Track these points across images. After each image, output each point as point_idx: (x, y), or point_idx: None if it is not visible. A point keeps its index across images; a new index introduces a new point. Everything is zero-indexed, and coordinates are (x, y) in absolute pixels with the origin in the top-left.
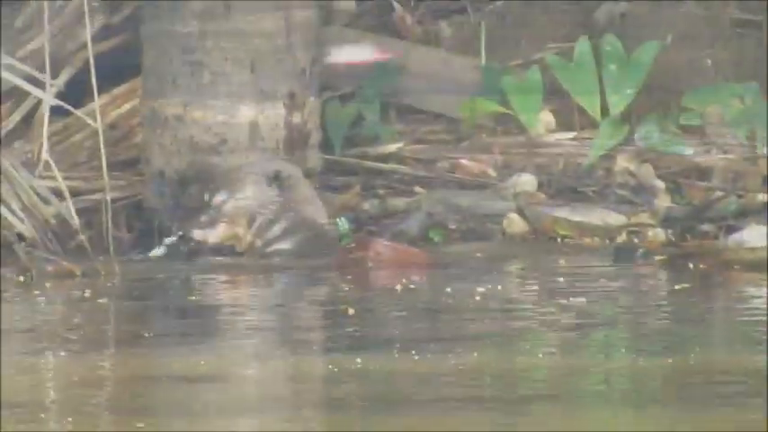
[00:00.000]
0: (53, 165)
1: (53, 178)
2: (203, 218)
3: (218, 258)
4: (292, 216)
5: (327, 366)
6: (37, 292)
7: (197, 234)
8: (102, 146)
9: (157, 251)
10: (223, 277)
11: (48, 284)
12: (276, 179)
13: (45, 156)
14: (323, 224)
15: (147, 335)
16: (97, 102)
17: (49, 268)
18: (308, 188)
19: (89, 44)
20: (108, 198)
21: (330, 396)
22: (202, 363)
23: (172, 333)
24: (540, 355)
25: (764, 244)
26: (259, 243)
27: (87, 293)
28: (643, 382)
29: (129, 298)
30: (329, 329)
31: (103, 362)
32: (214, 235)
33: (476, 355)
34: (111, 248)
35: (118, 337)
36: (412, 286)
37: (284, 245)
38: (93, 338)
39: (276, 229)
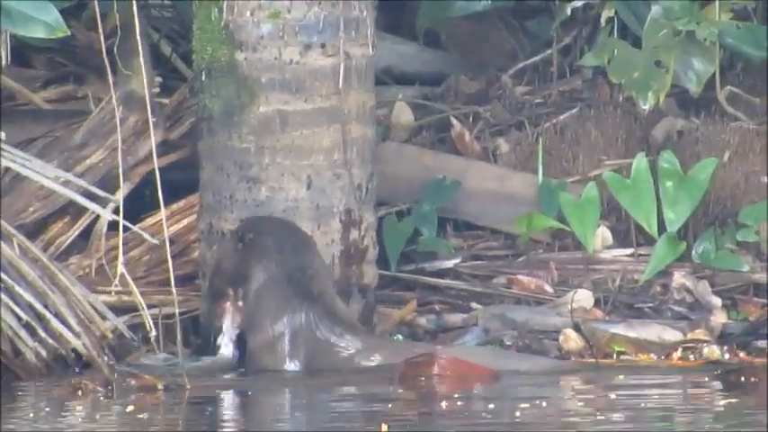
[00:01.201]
0: (129, 279)
1: (109, 293)
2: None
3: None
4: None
5: None
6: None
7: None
8: (169, 258)
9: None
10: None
11: (132, 397)
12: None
13: (121, 268)
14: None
15: None
16: (164, 213)
17: (132, 382)
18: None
19: (155, 158)
20: (177, 311)
21: None
22: None
23: None
24: None
25: None
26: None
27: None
28: None
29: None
30: None
31: None
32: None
33: None
34: (181, 361)
35: None
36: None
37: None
38: None
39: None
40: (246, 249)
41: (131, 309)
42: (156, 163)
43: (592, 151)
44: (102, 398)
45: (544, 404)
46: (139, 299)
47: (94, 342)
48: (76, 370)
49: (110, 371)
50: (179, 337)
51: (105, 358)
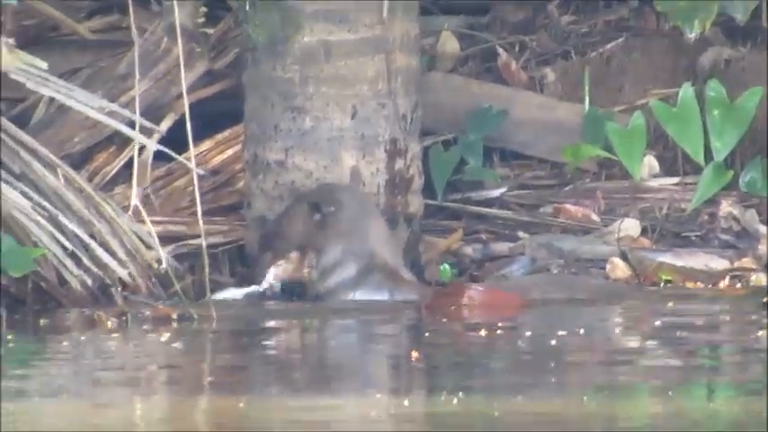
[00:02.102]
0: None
1: (156, 223)
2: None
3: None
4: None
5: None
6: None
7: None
8: (197, 191)
9: (229, 293)
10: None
11: (144, 328)
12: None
13: (152, 198)
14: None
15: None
16: (192, 148)
17: (147, 312)
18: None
19: (184, 91)
20: (204, 243)
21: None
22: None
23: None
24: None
25: None
26: (321, 287)
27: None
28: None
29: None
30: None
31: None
32: (275, 275)
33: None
34: (209, 293)
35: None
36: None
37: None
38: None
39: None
40: (324, 222)
41: (183, 238)
42: (185, 95)
43: (638, 80)
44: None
45: (582, 331)
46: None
47: (140, 271)
48: (121, 299)
49: (123, 302)
50: (206, 268)
51: (152, 288)
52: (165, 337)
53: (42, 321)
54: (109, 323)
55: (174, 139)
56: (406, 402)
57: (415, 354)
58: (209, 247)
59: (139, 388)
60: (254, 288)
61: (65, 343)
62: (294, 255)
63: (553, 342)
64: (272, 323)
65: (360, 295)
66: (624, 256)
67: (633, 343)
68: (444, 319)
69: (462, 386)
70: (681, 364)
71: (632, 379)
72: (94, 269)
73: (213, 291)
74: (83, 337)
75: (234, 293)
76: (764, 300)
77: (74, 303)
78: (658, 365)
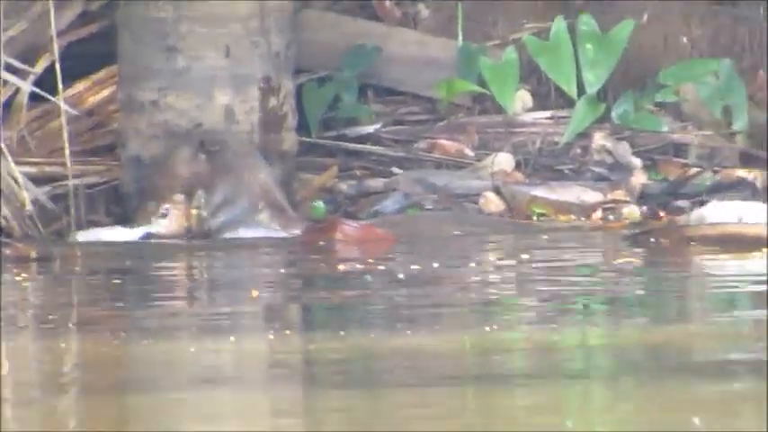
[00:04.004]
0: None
1: (32, 164)
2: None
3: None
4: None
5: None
6: None
7: (152, 226)
8: (64, 131)
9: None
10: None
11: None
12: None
13: (27, 139)
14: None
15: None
16: (61, 89)
17: (7, 252)
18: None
19: (53, 33)
20: (71, 183)
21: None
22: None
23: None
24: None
25: (722, 220)
26: (211, 224)
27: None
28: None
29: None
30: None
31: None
32: (165, 225)
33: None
34: (74, 233)
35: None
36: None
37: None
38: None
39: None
40: (210, 160)
41: (53, 179)
42: (54, 38)
43: (511, 15)
44: None
45: (436, 265)
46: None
47: (14, 212)
48: None
49: None
50: (81, 208)
51: (26, 229)
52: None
53: None
54: None
55: (53, 80)
56: (271, 337)
57: (255, 292)
58: (86, 187)
59: None
60: (122, 228)
61: None
62: (180, 198)
63: (420, 276)
64: (138, 262)
65: (247, 232)
66: (497, 191)
67: (500, 275)
68: (316, 256)
69: (337, 323)
70: (549, 292)
71: (500, 311)
72: None
73: (86, 230)
74: None
75: (102, 234)
76: (635, 231)
77: None
78: (526, 301)
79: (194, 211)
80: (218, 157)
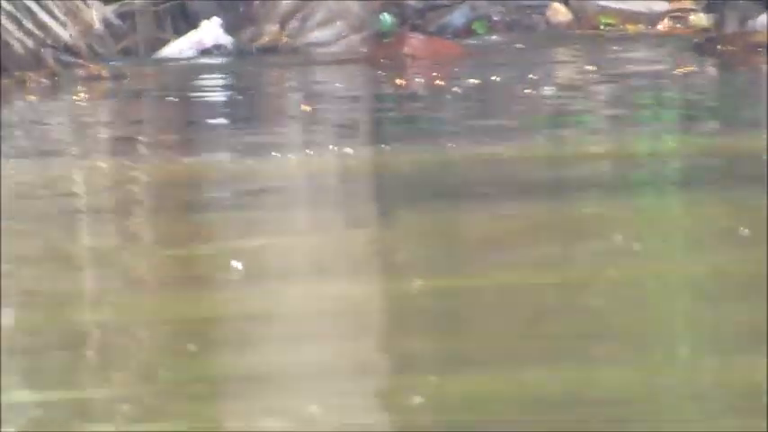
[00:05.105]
0: None
1: None
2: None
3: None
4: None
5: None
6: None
7: (240, 36)
8: None
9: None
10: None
11: (78, 87)
12: None
13: None
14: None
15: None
16: None
17: (80, 72)
18: None
19: None
20: (138, 1)
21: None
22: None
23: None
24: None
25: None
26: (297, 39)
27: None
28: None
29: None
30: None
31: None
32: (255, 36)
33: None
34: (142, 50)
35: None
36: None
37: (322, 39)
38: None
39: (311, 23)
40: None
41: None
42: None
43: None
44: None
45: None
46: None
47: (80, 31)
48: (53, 60)
49: (55, 62)
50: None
51: (93, 48)
52: (84, 96)
53: None
54: (34, 84)
55: None
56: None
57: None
58: (153, 4)
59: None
60: (197, 38)
61: None
62: (275, 28)
63: (494, 87)
64: (212, 77)
65: (333, 49)
66: (565, 1)
67: (575, 84)
68: (386, 72)
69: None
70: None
71: (580, 109)
72: (35, 31)
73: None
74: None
75: (177, 47)
76: (703, 39)
77: (17, 67)
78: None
79: (284, 36)
80: None
